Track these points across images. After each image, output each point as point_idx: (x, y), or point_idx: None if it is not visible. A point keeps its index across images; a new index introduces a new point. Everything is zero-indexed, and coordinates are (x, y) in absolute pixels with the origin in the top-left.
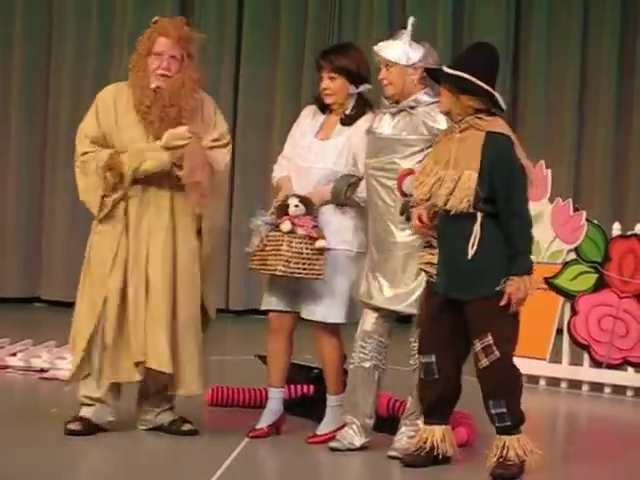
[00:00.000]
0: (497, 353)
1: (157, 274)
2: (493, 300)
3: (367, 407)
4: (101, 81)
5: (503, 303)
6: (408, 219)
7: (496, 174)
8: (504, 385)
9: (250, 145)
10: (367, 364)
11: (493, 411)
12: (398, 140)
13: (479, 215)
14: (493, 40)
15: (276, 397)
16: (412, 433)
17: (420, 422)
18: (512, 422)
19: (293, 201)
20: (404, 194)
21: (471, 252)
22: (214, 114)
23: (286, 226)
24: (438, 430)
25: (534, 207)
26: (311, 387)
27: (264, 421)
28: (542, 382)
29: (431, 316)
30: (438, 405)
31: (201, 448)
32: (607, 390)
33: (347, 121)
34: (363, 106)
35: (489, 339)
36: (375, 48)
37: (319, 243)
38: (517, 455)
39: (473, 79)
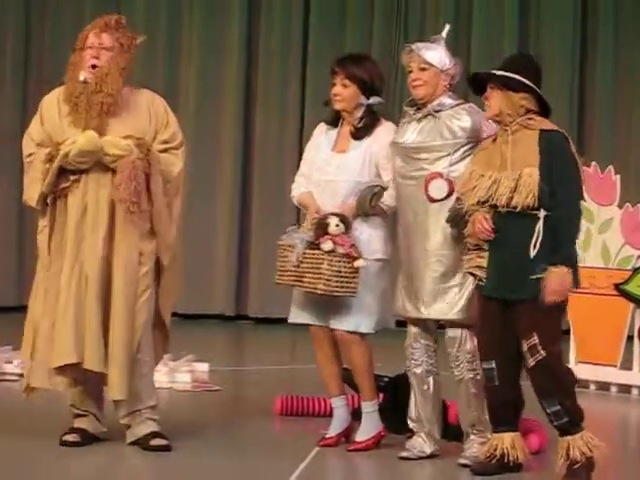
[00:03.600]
0: (542, 352)
1: (93, 275)
2: (540, 299)
3: (426, 414)
4: (171, 79)
5: (545, 297)
6: (456, 226)
7: (554, 169)
8: (554, 383)
9: None
10: (419, 370)
11: (548, 410)
12: (424, 148)
13: (542, 214)
14: (559, 69)
15: (340, 405)
16: (482, 440)
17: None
18: (570, 418)
19: (334, 220)
20: (432, 199)
21: (533, 252)
22: (165, 113)
23: (328, 245)
24: (507, 437)
25: (603, 213)
26: (380, 395)
27: (333, 430)
28: (613, 389)
29: (485, 321)
30: (503, 411)
31: (271, 457)
32: None
33: (358, 134)
34: (371, 118)
35: (534, 339)
36: (413, 47)
37: (358, 263)
38: (583, 453)
39: (524, 79)
